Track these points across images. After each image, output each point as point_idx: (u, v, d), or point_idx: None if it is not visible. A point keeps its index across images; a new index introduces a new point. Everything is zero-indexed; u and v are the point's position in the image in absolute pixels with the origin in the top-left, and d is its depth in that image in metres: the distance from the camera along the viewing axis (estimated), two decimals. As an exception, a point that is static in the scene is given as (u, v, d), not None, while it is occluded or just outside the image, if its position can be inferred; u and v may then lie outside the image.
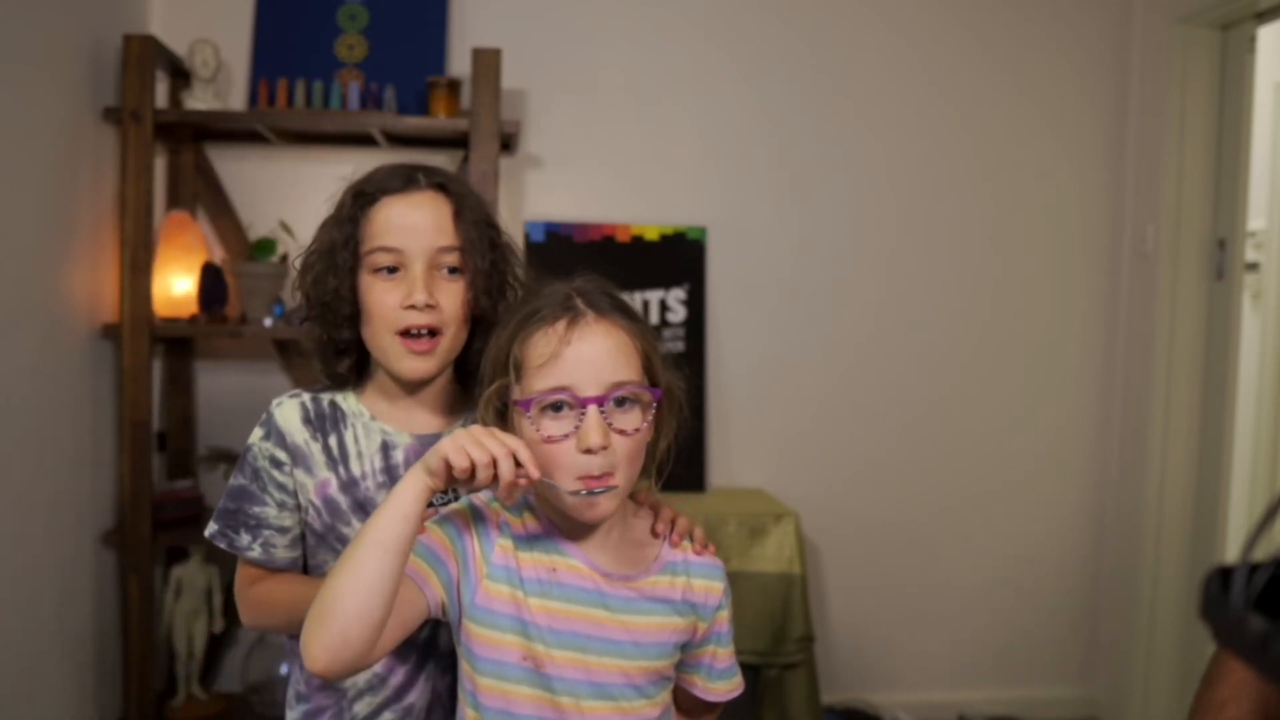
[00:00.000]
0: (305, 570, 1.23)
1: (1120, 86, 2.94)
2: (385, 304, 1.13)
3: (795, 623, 2.45)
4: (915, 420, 2.93)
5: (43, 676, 2.14)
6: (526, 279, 1.23)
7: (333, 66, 2.64)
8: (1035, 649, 3.00)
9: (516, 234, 2.73)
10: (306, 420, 1.19)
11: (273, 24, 2.65)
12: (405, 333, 1.14)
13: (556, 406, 1.00)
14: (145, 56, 2.34)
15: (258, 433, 1.19)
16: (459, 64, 2.68)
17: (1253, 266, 3.12)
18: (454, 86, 2.53)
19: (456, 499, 1.19)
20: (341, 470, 1.18)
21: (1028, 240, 2.95)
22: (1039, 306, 2.96)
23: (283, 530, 1.19)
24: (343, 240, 1.14)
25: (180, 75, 2.58)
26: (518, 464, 0.95)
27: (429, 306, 1.13)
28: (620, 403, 1.01)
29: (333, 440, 1.19)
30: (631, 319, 1.05)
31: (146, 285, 2.37)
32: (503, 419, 1.05)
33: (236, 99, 2.66)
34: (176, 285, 2.48)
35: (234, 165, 2.66)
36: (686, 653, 1.10)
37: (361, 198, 1.15)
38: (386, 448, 1.19)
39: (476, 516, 1.05)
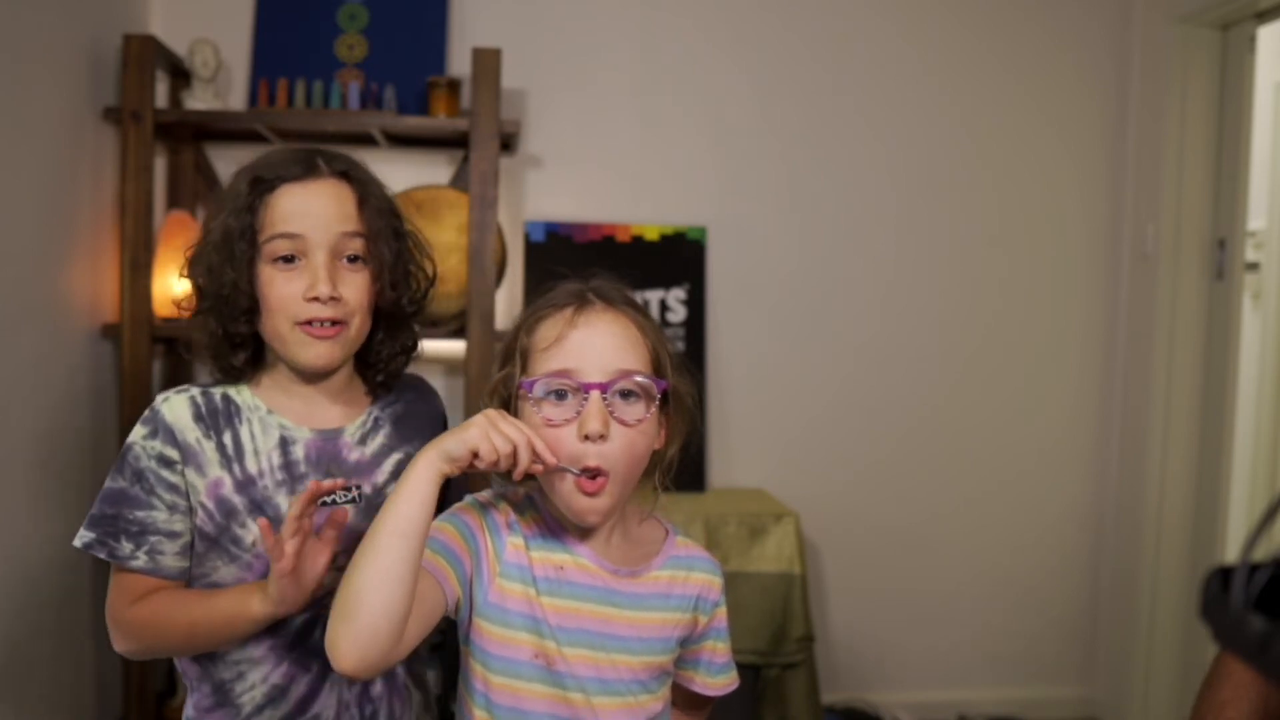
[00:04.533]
0: (189, 583, 1.14)
1: (1120, 86, 2.94)
2: (286, 295, 1.09)
3: (795, 623, 2.45)
4: (915, 419, 2.92)
5: (43, 676, 2.14)
6: (433, 271, 1.21)
7: (333, 66, 2.64)
8: (1035, 649, 3.00)
9: (517, 234, 2.73)
10: (198, 417, 1.13)
11: (273, 24, 2.65)
12: (307, 322, 1.09)
13: (561, 394, 1.00)
14: (145, 56, 2.34)
15: (140, 430, 1.12)
16: (459, 64, 2.67)
17: (1253, 266, 3.12)
18: (454, 86, 2.53)
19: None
20: (236, 468, 1.12)
21: (1028, 240, 2.95)
22: (1039, 306, 2.96)
23: (172, 535, 1.11)
24: (239, 230, 1.09)
25: (180, 75, 2.58)
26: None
27: (333, 299, 1.08)
28: (625, 395, 1.01)
29: (227, 437, 1.13)
30: (643, 316, 1.06)
31: (146, 285, 2.37)
32: (506, 410, 1.04)
33: (236, 99, 2.66)
34: (176, 285, 2.48)
35: (234, 165, 2.62)
36: (685, 648, 1.12)
37: (260, 184, 1.10)
38: (285, 443, 1.14)
39: (486, 515, 1.05)
